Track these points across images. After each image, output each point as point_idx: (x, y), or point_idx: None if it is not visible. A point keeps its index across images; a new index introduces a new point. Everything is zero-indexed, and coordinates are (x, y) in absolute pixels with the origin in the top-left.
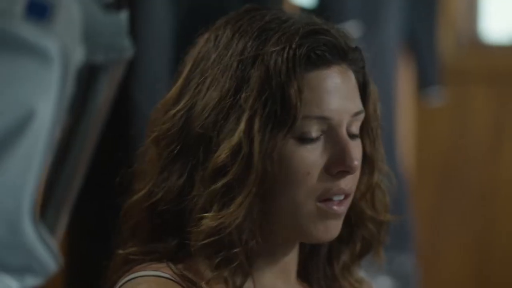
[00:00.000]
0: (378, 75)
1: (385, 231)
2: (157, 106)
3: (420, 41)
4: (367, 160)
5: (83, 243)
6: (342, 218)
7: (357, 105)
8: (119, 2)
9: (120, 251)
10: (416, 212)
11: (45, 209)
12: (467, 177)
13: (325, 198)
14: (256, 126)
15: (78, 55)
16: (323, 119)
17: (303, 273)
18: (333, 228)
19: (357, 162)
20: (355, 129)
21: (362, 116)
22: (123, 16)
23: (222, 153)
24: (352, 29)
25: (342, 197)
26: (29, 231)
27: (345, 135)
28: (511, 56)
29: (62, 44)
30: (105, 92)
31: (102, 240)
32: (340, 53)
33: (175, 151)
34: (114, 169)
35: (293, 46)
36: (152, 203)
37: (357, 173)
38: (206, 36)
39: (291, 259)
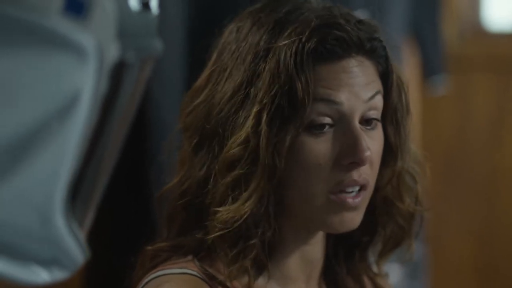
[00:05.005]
0: None
1: (416, 223)
2: (185, 96)
3: (423, 30)
4: (391, 149)
5: (103, 244)
6: (361, 210)
7: (372, 90)
8: (149, 1)
9: (149, 247)
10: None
11: (73, 202)
12: (470, 164)
13: (338, 190)
14: (264, 120)
15: (112, 53)
16: (332, 103)
17: (328, 269)
18: (349, 220)
19: (368, 153)
20: (375, 114)
21: (379, 98)
22: (154, 15)
23: (232, 147)
24: None
25: (356, 188)
26: (60, 223)
27: (357, 125)
28: None
29: (97, 41)
30: (134, 90)
31: (122, 239)
32: (353, 47)
33: (195, 143)
34: (131, 167)
35: (303, 39)
36: (181, 193)
37: (375, 164)
38: (230, 26)
39: (316, 251)
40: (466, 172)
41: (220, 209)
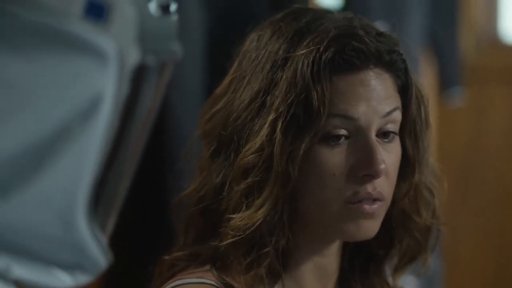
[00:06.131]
0: None
1: (433, 238)
2: (205, 103)
3: (441, 42)
4: (409, 162)
5: (123, 250)
6: (378, 218)
7: (390, 105)
8: (169, 5)
9: (166, 257)
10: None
11: (96, 206)
12: (487, 176)
13: (354, 200)
14: (279, 128)
15: (132, 56)
16: (348, 119)
17: (343, 282)
18: (366, 228)
19: (383, 166)
20: (392, 127)
21: (397, 114)
22: (174, 19)
23: (246, 155)
24: None
25: (370, 200)
26: (83, 227)
27: (373, 138)
28: None
29: (118, 45)
30: (154, 94)
31: (140, 244)
32: (371, 58)
33: (213, 150)
34: (150, 173)
35: (321, 49)
36: (198, 199)
37: (391, 177)
38: (252, 35)
39: (331, 263)
40: (483, 183)
41: (233, 216)
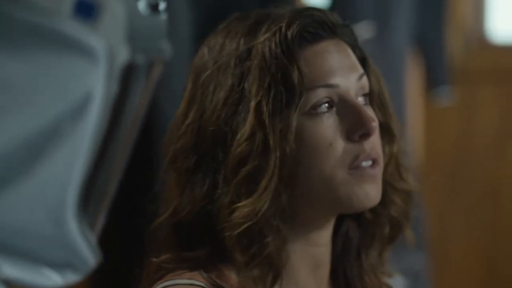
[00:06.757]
0: (388, 75)
1: (412, 203)
2: (169, 126)
3: (429, 41)
4: (384, 129)
5: (111, 249)
6: (379, 182)
7: (359, 70)
8: (158, 4)
9: (154, 259)
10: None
11: (85, 205)
12: (474, 175)
13: (355, 166)
14: (265, 111)
15: (122, 55)
16: (329, 87)
17: (336, 273)
18: (373, 193)
19: (375, 122)
20: (362, 100)
21: (366, 80)
22: (163, 17)
23: (239, 143)
24: (364, 30)
25: (370, 162)
26: (73, 226)
27: (356, 100)
28: None
29: (107, 44)
30: (143, 93)
31: (129, 248)
32: (331, 28)
33: (194, 163)
34: (139, 172)
35: (283, 29)
36: (179, 219)
37: (379, 137)
38: (200, 51)
39: (323, 253)
40: (470, 183)
41: (239, 204)
